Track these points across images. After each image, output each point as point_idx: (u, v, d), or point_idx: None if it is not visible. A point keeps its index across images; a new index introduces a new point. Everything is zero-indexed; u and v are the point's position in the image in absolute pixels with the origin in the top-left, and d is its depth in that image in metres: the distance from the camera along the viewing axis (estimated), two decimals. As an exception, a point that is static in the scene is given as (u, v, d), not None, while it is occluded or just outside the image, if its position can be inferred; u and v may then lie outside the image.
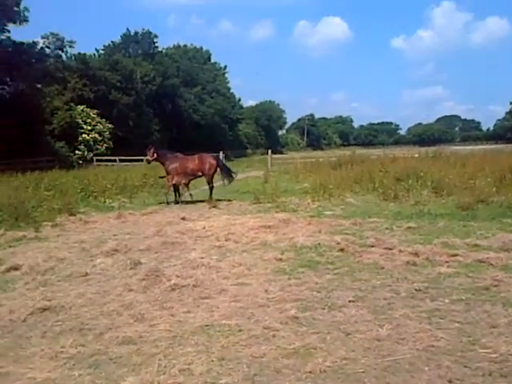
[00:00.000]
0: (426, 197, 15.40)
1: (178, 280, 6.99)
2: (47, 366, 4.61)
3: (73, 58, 51.32)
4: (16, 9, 36.31)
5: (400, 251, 8.52)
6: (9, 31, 37.67)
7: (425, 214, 12.56)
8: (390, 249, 8.72)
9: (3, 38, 37.84)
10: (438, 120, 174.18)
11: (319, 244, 9.34)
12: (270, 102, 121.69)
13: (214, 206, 15.66)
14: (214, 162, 17.88)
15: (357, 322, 5.47)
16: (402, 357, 4.59)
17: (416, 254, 8.23)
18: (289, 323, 5.47)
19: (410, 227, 10.79)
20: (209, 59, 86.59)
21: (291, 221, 12.06)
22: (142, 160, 35.00)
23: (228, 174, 18.52)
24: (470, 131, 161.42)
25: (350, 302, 6.11)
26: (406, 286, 6.64)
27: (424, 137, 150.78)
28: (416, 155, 29.96)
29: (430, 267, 7.58)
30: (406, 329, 5.22)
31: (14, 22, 37.07)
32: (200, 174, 17.81)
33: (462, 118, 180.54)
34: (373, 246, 9.01)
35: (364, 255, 8.36)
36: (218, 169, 18.04)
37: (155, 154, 18.38)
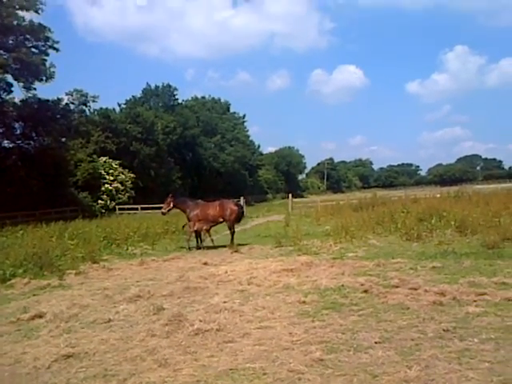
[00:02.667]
0: (450, 236, 15.22)
1: (201, 325, 6.94)
2: (71, 413, 4.58)
3: (96, 112, 52.70)
4: (42, 67, 37.60)
5: (425, 291, 8.38)
6: (35, 89, 38.96)
7: (449, 253, 12.39)
8: (415, 289, 8.58)
9: (30, 95, 39.10)
10: (459, 160, 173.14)
11: (343, 286, 9.25)
12: (289, 148, 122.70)
13: (235, 251, 15.64)
14: (234, 207, 18.00)
15: (384, 363, 5.35)
16: (432, 398, 4.46)
17: (442, 294, 8.09)
18: (314, 366, 5.38)
19: (434, 267, 10.65)
20: (228, 109, 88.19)
21: (314, 263, 11.97)
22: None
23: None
24: (491, 170, 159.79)
25: (376, 343, 5.99)
26: (433, 327, 6.50)
27: (445, 177, 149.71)
28: (438, 195, 29.83)
29: (457, 307, 7.43)
30: (435, 370, 5.09)
31: (41, 80, 38.34)
32: (221, 219, 17.90)
33: (483, 157, 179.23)
34: (397, 287, 8.88)
35: (389, 296, 8.24)
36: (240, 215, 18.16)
37: (171, 204, 18.65)
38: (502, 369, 5.02)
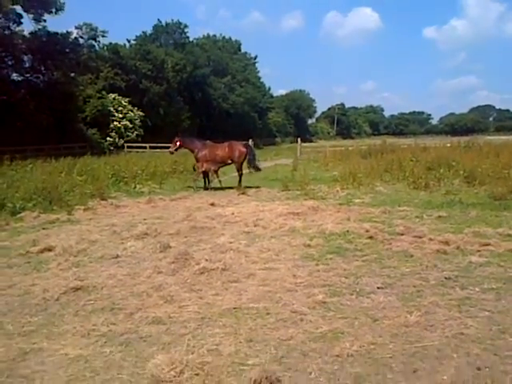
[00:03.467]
0: (458, 186, 15.21)
1: (207, 264, 7.06)
2: (79, 343, 4.72)
3: (105, 47, 51.79)
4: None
5: (430, 240, 8.44)
6: (45, 21, 38.22)
7: (456, 203, 12.40)
8: (420, 237, 8.64)
9: (39, 27, 38.40)
10: (472, 110, 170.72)
11: (348, 231, 9.32)
12: (299, 91, 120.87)
13: (242, 193, 15.72)
14: (243, 149, 17.92)
15: (385, 308, 5.46)
16: (430, 343, 4.57)
17: (446, 243, 8.15)
18: (316, 308, 5.49)
19: (440, 216, 10.68)
20: (239, 49, 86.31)
21: (320, 208, 12.03)
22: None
23: (254, 164, 18.53)
24: (504, 121, 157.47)
25: (378, 288, 6.10)
26: (435, 274, 6.59)
27: (456, 127, 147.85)
28: (448, 145, 29.58)
29: (460, 256, 7.50)
30: (435, 316, 5.19)
31: (50, 12, 37.54)
32: (230, 161, 17.88)
33: (497, 107, 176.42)
34: (402, 234, 8.94)
35: (393, 243, 8.32)
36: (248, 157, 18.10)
37: (177, 143, 18.61)
38: (502, 318, 5.10)
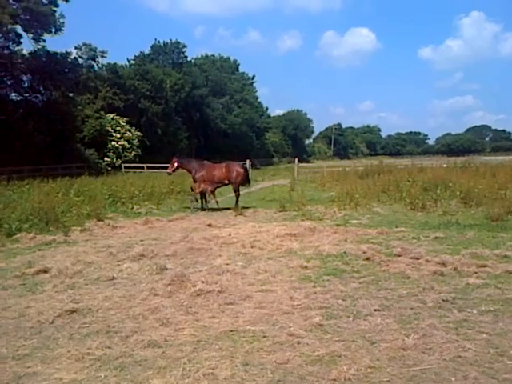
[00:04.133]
0: (455, 207, 15.22)
1: (204, 286, 7.02)
2: (74, 367, 4.67)
3: (104, 67, 52.17)
4: (52, 17, 37.07)
5: (427, 261, 8.43)
6: (44, 41, 38.54)
7: (453, 224, 12.41)
8: (417, 258, 8.64)
9: (38, 47, 38.70)
10: (468, 130, 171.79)
11: (345, 252, 9.30)
12: (297, 111, 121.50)
13: (239, 214, 15.71)
14: (241, 170, 17.97)
15: (382, 330, 5.42)
16: (428, 367, 4.53)
17: (443, 265, 8.14)
18: (313, 330, 5.46)
19: (437, 237, 10.68)
20: (237, 69, 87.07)
21: (317, 229, 12.03)
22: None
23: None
24: (500, 142, 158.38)
25: (375, 310, 6.06)
26: (432, 296, 6.56)
27: (453, 147, 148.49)
28: (444, 165, 29.69)
29: (457, 278, 7.48)
30: (433, 339, 5.16)
31: (50, 32, 37.87)
32: (227, 181, 17.90)
33: (493, 128, 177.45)
34: (399, 256, 8.94)
35: (390, 264, 8.29)
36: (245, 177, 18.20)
37: (175, 164, 18.67)
38: (500, 341, 5.08)
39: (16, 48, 37.87)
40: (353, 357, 4.76)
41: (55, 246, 10.88)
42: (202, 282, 7.23)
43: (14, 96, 39.77)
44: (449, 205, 15.59)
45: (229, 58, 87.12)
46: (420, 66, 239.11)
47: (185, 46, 72.60)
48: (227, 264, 8.58)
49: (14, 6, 34.62)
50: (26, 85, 39.92)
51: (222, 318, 5.88)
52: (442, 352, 4.83)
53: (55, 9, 37.72)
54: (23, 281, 7.85)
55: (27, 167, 31.75)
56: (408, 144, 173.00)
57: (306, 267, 8.31)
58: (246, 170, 18.53)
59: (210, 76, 75.12)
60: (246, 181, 18.64)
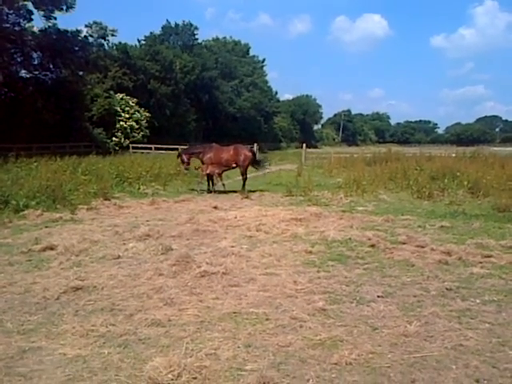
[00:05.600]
0: (462, 197, 15.17)
1: (208, 267, 7.07)
2: (78, 343, 4.73)
3: (114, 47, 51.94)
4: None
5: (432, 250, 8.43)
6: (55, 18, 38.34)
7: (459, 213, 12.38)
8: (422, 247, 8.64)
9: (49, 24, 38.52)
10: (478, 120, 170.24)
11: (350, 239, 9.32)
12: (306, 96, 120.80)
13: (246, 197, 15.74)
14: (248, 153, 17.96)
15: (385, 317, 5.44)
16: (429, 354, 4.56)
17: (448, 254, 8.14)
18: (316, 315, 5.48)
19: (443, 226, 10.66)
20: (247, 52, 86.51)
21: (323, 215, 12.03)
22: (177, 149, 35.49)
23: (261, 164, 18.78)
24: (510, 132, 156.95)
25: (378, 297, 6.09)
26: (436, 285, 6.57)
27: (462, 137, 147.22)
28: (453, 155, 29.49)
29: (462, 267, 7.48)
30: (435, 327, 5.18)
31: (61, 9, 37.69)
32: (234, 164, 17.88)
33: (503, 118, 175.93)
34: (404, 244, 8.94)
35: (395, 252, 8.30)
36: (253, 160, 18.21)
37: (184, 159, 18.81)
38: (502, 331, 5.09)
39: (27, 25, 37.71)
40: (354, 342, 4.78)
41: (62, 223, 10.95)
42: (207, 263, 7.28)
43: (23, 73, 39.68)
44: (456, 194, 15.54)
45: (240, 41, 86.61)
46: (432, 54, 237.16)
47: (196, 28, 72.20)
48: (232, 246, 8.62)
49: (26, -17, 34.49)
50: (35, 62, 39.76)
51: (226, 300, 5.92)
52: (444, 340, 4.85)
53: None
54: (29, 257, 7.92)
55: (35, 145, 31.80)
56: (417, 132, 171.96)
57: (310, 252, 8.33)
58: (253, 153, 18.52)
59: (220, 58, 74.66)
60: (257, 163, 18.66)
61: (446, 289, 6.39)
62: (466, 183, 16.58)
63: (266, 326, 5.18)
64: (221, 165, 17.75)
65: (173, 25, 71.15)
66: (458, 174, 18.30)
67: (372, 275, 7.04)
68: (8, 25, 36.05)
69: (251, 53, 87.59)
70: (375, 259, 7.95)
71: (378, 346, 4.70)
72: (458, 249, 8.37)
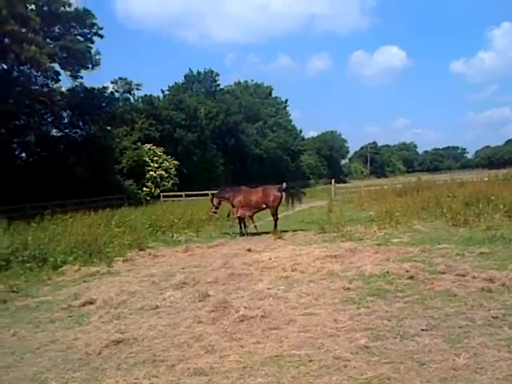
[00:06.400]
0: (499, 221, 14.82)
1: (246, 311, 7.02)
2: (122, 397, 4.72)
3: (139, 99, 53.35)
4: (88, 54, 38.31)
5: (473, 277, 8.22)
6: (81, 77, 39.76)
7: (498, 238, 12.05)
8: (463, 275, 8.42)
9: (76, 84, 39.94)
10: (508, 142, 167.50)
11: (388, 272, 9.15)
12: (331, 132, 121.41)
13: (279, 237, 15.68)
14: (278, 193, 18.00)
15: (431, 351, 5.30)
16: (481, 387, 4.40)
17: (491, 280, 7.92)
18: (360, 353, 5.37)
19: (482, 253, 10.41)
20: (270, 94, 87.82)
21: (358, 249, 11.89)
22: (207, 194, 35.86)
23: (296, 197, 18.77)
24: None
25: (422, 330, 5.93)
26: (481, 314, 6.38)
27: (493, 159, 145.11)
28: (485, 178, 29.01)
29: (506, 293, 7.27)
30: (485, 357, 5.01)
31: (87, 68, 39.09)
32: (264, 206, 17.92)
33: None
34: (444, 273, 8.74)
35: (435, 282, 8.12)
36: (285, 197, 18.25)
37: (214, 203, 19.15)
38: (555, 358, 4.90)
39: (55, 85, 39.14)
40: (402, 379, 4.66)
41: (99, 277, 11.08)
42: (245, 307, 7.22)
43: (54, 132, 40.99)
44: (492, 219, 15.19)
45: (262, 84, 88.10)
46: (453, 80, 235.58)
47: (218, 74, 73.98)
48: (269, 288, 8.56)
49: (52, 46, 35.89)
50: (65, 121, 41.11)
51: (267, 343, 5.85)
52: (495, 371, 4.69)
53: (91, 45, 38.95)
54: (70, 313, 8.02)
55: (70, 200, 32.52)
56: (446, 159, 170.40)
57: (348, 289, 8.21)
58: (282, 192, 18.51)
59: (243, 102, 75.87)
60: (291, 195, 18.65)
61: (492, 317, 6.19)
62: (501, 207, 16.23)
63: (310, 367, 5.09)
64: (251, 207, 17.82)
65: (195, 73, 72.98)
66: (493, 197, 17.94)
67: (413, 308, 6.89)
68: (37, 87, 37.50)
69: (273, 94, 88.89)
70: (415, 291, 7.78)
71: (427, 382, 4.57)
72: (500, 275, 8.13)
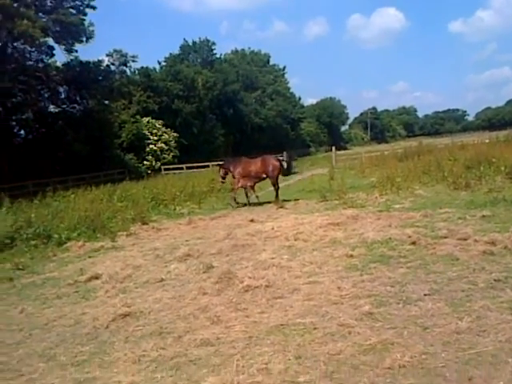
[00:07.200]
0: (500, 183, 14.78)
1: (251, 281, 7.07)
2: (131, 370, 4.80)
3: (136, 72, 52.82)
4: (81, 27, 37.85)
5: (475, 241, 8.23)
6: (76, 51, 39.38)
7: (500, 201, 12.04)
8: (465, 239, 8.45)
9: (71, 58, 39.56)
10: (509, 102, 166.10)
11: (390, 238, 9.18)
12: (330, 98, 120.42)
13: (281, 207, 15.70)
14: (276, 163, 17.94)
15: (434, 315, 5.35)
16: (483, 349, 4.46)
17: (493, 243, 7.93)
18: (364, 319, 5.43)
19: (484, 216, 10.41)
20: (267, 62, 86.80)
21: (360, 216, 11.92)
22: (207, 166, 35.89)
23: (290, 170, 18.92)
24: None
25: (425, 295, 5.99)
26: (484, 277, 6.42)
27: (494, 121, 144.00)
28: (486, 141, 28.89)
29: (508, 256, 7.29)
30: (487, 320, 5.06)
31: (81, 41, 38.63)
32: (264, 176, 17.90)
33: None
34: (446, 238, 8.77)
35: (437, 247, 8.15)
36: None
37: (221, 173, 19.20)
38: (557, 318, 4.95)
39: (50, 60, 38.87)
40: (406, 344, 4.71)
41: (104, 252, 11.16)
42: (249, 277, 7.28)
43: (52, 108, 40.85)
44: (494, 181, 15.16)
45: (259, 52, 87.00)
46: (451, 40, 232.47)
47: (214, 44, 72.89)
48: (272, 258, 8.60)
49: (44, 20, 35.47)
50: (62, 96, 40.93)
51: (272, 313, 5.92)
52: (498, 333, 4.74)
53: (84, 18, 38.45)
54: (76, 288, 8.11)
55: (71, 177, 32.60)
56: (447, 122, 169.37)
57: (351, 256, 8.26)
58: (281, 162, 18.50)
59: (240, 71, 75.08)
60: (286, 170, 18.70)
61: (495, 280, 6.23)
62: (503, 169, 16.16)
63: (315, 335, 5.16)
64: (251, 177, 17.80)
65: (190, 43, 72.02)
66: (494, 160, 17.86)
67: (416, 273, 6.93)
68: (32, 62, 37.24)
69: (271, 62, 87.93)
70: (418, 256, 7.82)
71: (431, 346, 4.62)
72: (502, 238, 8.14)
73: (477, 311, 5.31)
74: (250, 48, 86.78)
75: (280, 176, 18.17)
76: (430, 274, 6.84)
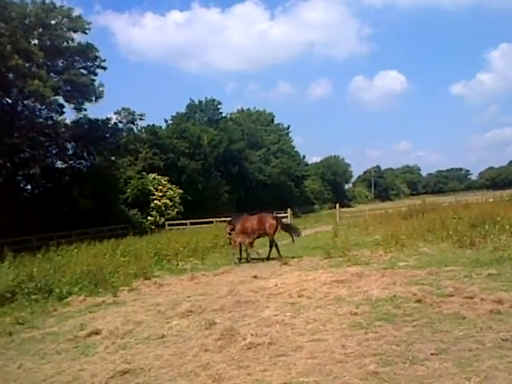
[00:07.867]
0: (505, 242, 14.69)
1: (253, 338, 6.95)
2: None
3: (143, 129, 53.63)
4: (91, 87, 38.80)
5: (482, 299, 8.14)
6: (85, 109, 40.17)
7: (505, 259, 11.96)
8: (471, 298, 8.35)
9: (80, 116, 40.34)
10: (511, 162, 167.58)
11: (395, 296, 9.07)
12: (334, 157, 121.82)
13: (285, 263, 15.60)
14: (273, 221, 18.10)
15: (441, 375, 5.22)
16: (493, 411, 4.33)
17: (500, 302, 7.83)
18: (369, 379, 5.30)
19: (490, 274, 10.32)
20: (272, 121, 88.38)
21: (364, 274, 11.82)
22: (211, 222, 35.93)
23: (293, 229, 18.94)
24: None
25: (432, 354, 5.86)
26: (491, 336, 6.30)
27: (497, 181, 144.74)
28: (490, 199, 28.99)
29: (515, 315, 7.18)
30: (495, 381, 4.94)
31: (90, 100, 39.54)
32: (262, 232, 17.97)
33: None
34: (452, 296, 8.66)
35: (443, 305, 8.04)
36: (280, 227, 18.34)
37: (228, 228, 19.55)
38: None
39: (59, 118, 39.52)
40: (412, 404, 4.58)
41: (105, 307, 11.03)
42: (252, 334, 7.16)
43: (59, 164, 41.26)
44: (499, 240, 15.06)
45: (264, 111, 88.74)
46: (453, 102, 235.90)
47: (219, 103, 74.42)
48: (276, 315, 8.49)
49: (55, 79, 36.42)
50: (70, 152, 41.37)
51: (275, 371, 5.78)
52: (507, 394, 4.61)
53: (94, 78, 39.48)
54: (76, 344, 7.97)
55: (75, 231, 32.56)
56: (450, 181, 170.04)
57: (355, 313, 8.14)
58: (278, 220, 18.64)
59: (245, 129, 76.31)
60: (288, 228, 18.82)
61: (502, 339, 6.12)
62: (508, 227, 16.13)
63: (319, 395, 5.02)
64: (248, 234, 17.87)
65: (197, 102, 73.56)
66: (498, 218, 17.85)
67: (422, 332, 6.81)
68: (41, 119, 37.89)
69: (275, 121, 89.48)
70: (423, 315, 7.70)
71: (438, 407, 4.49)
72: (509, 296, 8.05)
73: (485, 371, 5.19)
74: (254, 107, 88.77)
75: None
76: (437, 332, 6.72)
